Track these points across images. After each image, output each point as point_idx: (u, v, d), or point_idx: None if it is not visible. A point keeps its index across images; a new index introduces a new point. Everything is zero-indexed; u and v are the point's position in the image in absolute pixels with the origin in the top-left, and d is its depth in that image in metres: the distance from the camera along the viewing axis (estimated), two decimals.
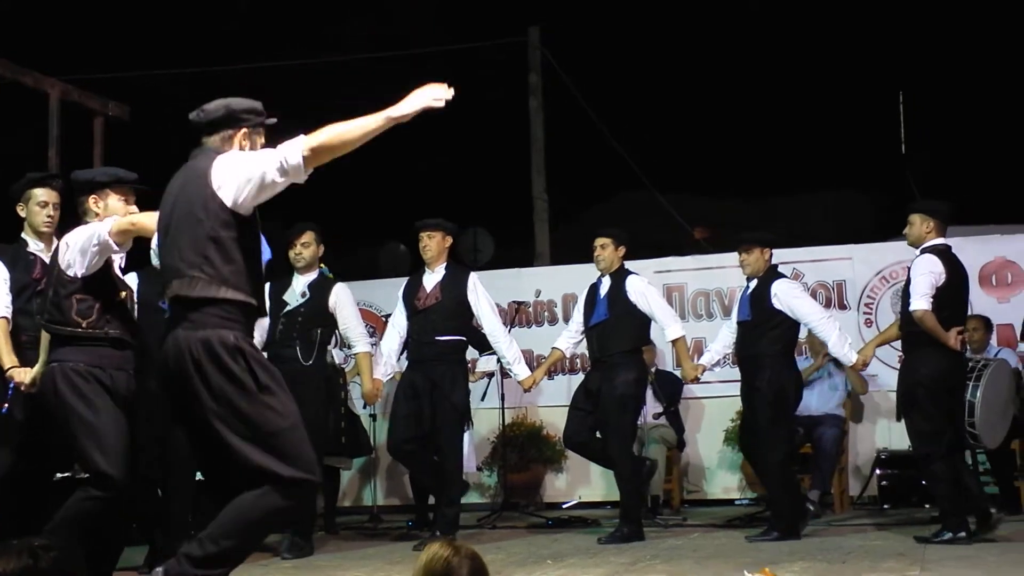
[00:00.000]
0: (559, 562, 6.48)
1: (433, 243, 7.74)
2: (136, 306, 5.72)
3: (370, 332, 9.05)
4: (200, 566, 4.07)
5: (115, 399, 5.07)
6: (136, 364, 5.32)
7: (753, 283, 7.81)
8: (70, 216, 6.25)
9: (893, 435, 9.86)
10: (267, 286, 5.52)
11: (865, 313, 10.16)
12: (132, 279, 6.05)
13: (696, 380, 8.45)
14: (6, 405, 5.62)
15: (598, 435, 7.88)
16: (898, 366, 9.81)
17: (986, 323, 9.26)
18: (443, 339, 7.60)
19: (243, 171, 4.24)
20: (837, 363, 8.97)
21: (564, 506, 10.19)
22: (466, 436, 8.54)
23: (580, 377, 10.22)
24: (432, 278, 7.80)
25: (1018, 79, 14.49)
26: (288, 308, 7.38)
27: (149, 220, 4.84)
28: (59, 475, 6.11)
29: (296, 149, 4.16)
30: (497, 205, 15.65)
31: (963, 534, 6.78)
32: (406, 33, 14.94)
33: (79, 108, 8.61)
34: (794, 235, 11.44)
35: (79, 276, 5.05)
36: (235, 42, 15.22)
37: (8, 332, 5.65)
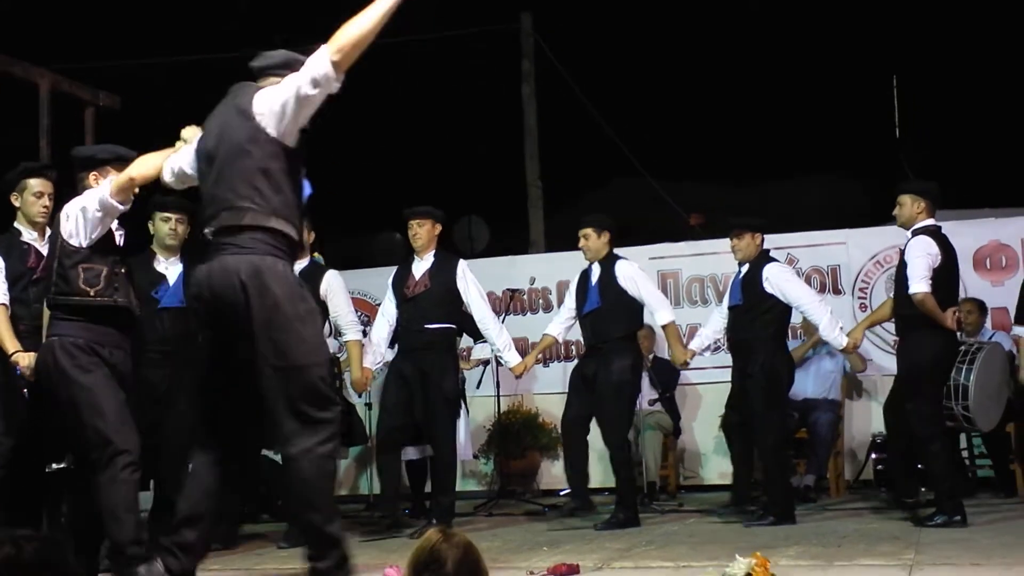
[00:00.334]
0: (555, 548, 6.48)
1: (423, 231, 7.72)
2: None
3: (364, 321, 9.06)
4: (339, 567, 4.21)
5: (113, 374, 5.07)
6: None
7: (745, 268, 7.82)
8: (60, 204, 6.25)
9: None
10: None
11: (860, 297, 10.16)
12: None
13: (686, 365, 8.45)
14: (26, 391, 5.59)
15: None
16: (893, 349, 9.91)
17: (980, 306, 9.27)
18: (433, 327, 7.59)
19: (279, 97, 4.30)
20: None
21: (561, 493, 10.17)
22: (461, 424, 8.53)
23: (575, 364, 10.25)
24: (421, 266, 7.78)
25: (1011, 63, 14.49)
26: None
27: (144, 166, 4.88)
28: (54, 465, 6.12)
29: (322, 57, 4.21)
30: (491, 193, 15.63)
31: (958, 517, 6.79)
32: (398, 20, 14.87)
33: (70, 98, 8.58)
34: (788, 220, 11.40)
35: (83, 245, 5.04)
36: (227, 31, 15.16)
37: (8, 319, 5.63)
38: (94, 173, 5.19)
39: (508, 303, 10.05)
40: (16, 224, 5.93)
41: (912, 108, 14.11)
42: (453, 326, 7.81)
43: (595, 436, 7.89)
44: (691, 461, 10.38)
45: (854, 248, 10.32)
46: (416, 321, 7.63)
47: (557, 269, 10.81)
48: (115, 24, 14.84)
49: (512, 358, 7.93)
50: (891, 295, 7.82)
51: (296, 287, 4.34)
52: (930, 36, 15.59)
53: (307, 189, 4.57)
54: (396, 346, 7.97)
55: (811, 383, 9.42)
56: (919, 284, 6.88)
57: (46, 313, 5.32)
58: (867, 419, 9.89)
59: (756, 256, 7.79)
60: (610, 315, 7.77)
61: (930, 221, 7.22)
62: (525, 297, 10.72)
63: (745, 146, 16.72)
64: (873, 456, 9.51)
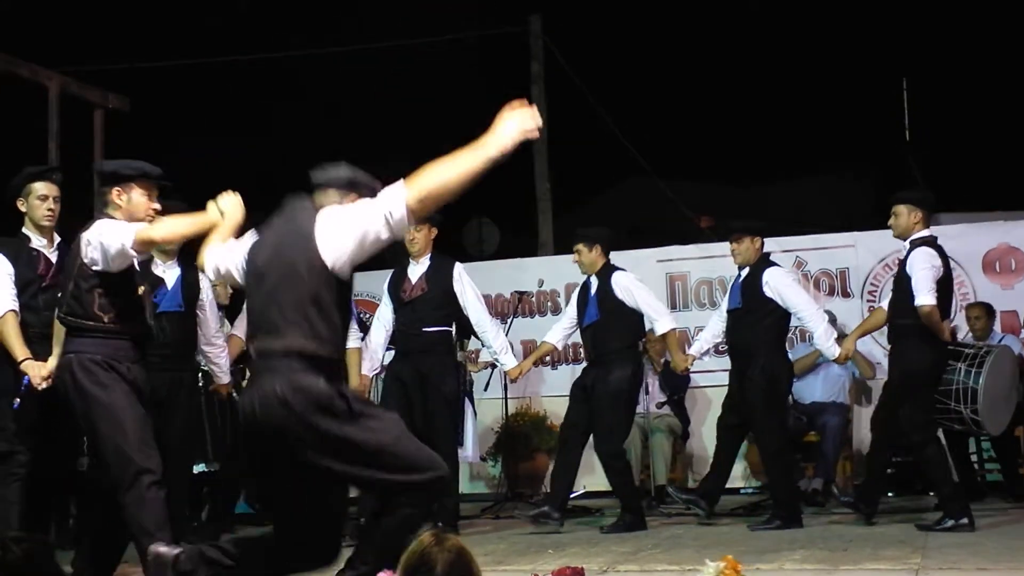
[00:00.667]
0: (560, 551, 6.48)
1: (420, 235, 7.65)
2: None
3: (368, 320, 9.05)
4: None
5: (132, 390, 5.05)
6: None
7: (745, 271, 7.82)
8: (73, 209, 6.23)
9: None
10: None
11: (868, 300, 10.12)
12: None
13: (686, 371, 8.45)
14: (18, 400, 5.57)
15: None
16: None
17: (988, 310, 9.26)
18: (431, 330, 7.59)
19: (347, 231, 4.19)
20: None
21: (573, 495, 10.15)
22: (469, 426, 8.55)
23: (583, 367, 10.24)
24: (417, 269, 7.77)
25: (1021, 66, 14.45)
26: None
27: (171, 231, 4.91)
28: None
29: (399, 202, 4.09)
30: (501, 195, 15.61)
31: (965, 520, 6.78)
32: (407, 22, 14.90)
33: (79, 101, 8.60)
34: (798, 222, 11.39)
35: (101, 272, 5.01)
36: (237, 33, 15.19)
37: (18, 325, 5.58)
38: (117, 188, 5.13)
39: (516, 305, 10.04)
40: (24, 230, 5.86)
41: (922, 111, 14.07)
42: (451, 329, 7.80)
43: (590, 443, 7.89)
44: (700, 465, 10.34)
45: (863, 251, 10.29)
46: (414, 325, 7.62)
47: (565, 272, 10.74)
48: (124, 26, 14.88)
49: (508, 361, 7.94)
50: (883, 301, 7.83)
51: (340, 393, 4.22)
52: (940, 39, 15.55)
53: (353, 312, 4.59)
54: (392, 349, 7.96)
55: (820, 386, 9.40)
56: (927, 297, 6.89)
57: (59, 328, 5.28)
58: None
59: (756, 260, 7.79)
60: (609, 327, 7.79)
61: (927, 231, 7.23)
62: (533, 299, 10.71)
63: (755, 148, 16.70)
64: None
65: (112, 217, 5.11)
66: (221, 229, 4.72)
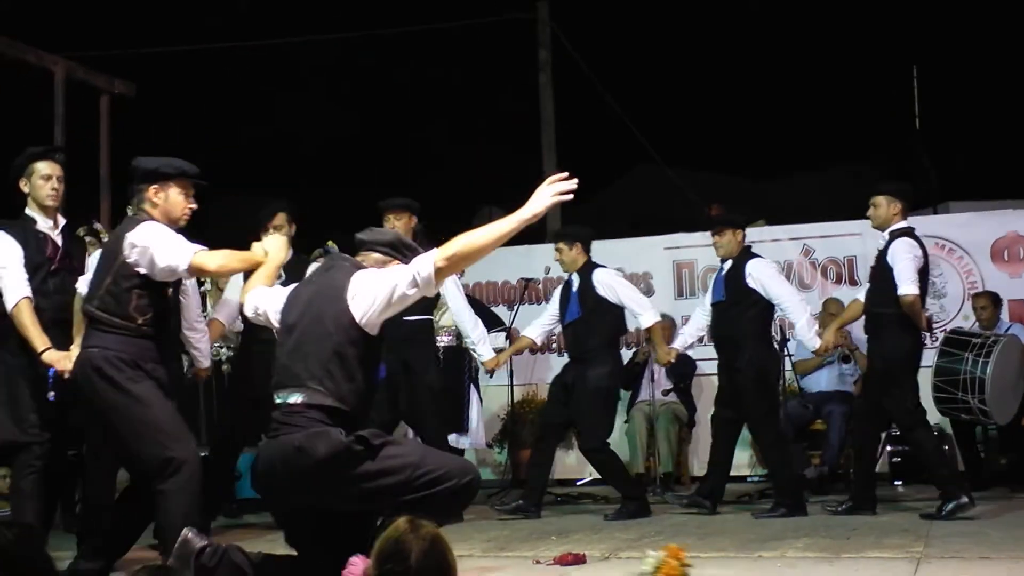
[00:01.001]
0: (563, 538, 6.48)
1: (400, 224, 7.57)
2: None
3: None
4: None
5: (159, 386, 4.98)
6: None
7: (727, 264, 7.87)
8: (77, 193, 6.21)
9: None
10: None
11: None
12: None
13: (669, 364, 8.47)
14: (52, 393, 5.50)
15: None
16: None
17: (995, 299, 9.24)
18: (412, 319, 7.54)
19: (376, 288, 4.35)
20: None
21: (578, 483, 10.16)
22: (474, 412, 8.55)
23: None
24: None
25: None
26: None
27: (227, 265, 4.97)
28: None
29: (429, 261, 4.27)
30: (509, 183, 15.61)
31: (965, 499, 6.82)
32: (416, 8, 14.88)
33: (85, 86, 8.58)
34: (806, 211, 11.36)
35: (142, 274, 4.94)
36: (243, 20, 15.19)
37: (34, 312, 5.47)
38: (155, 187, 5.06)
39: (523, 292, 10.04)
40: (28, 211, 5.72)
41: (932, 99, 14.02)
42: (432, 318, 7.80)
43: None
44: (706, 452, 10.26)
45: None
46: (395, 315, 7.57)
47: None
48: (131, 12, 14.88)
49: (486, 352, 7.95)
50: (861, 292, 7.81)
51: (357, 437, 4.30)
52: (950, 28, 15.48)
53: (381, 372, 4.60)
54: None
55: (826, 376, 9.40)
56: (910, 287, 6.99)
57: (80, 316, 5.24)
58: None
59: (738, 252, 7.83)
60: (590, 324, 7.83)
61: (905, 223, 7.32)
62: (540, 286, 10.69)
63: (764, 137, 16.65)
64: (888, 449, 9.45)
65: (148, 215, 5.04)
66: (265, 269, 4.93)
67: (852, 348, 9.15)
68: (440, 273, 4.30)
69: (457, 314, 7.85)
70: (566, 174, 4.36)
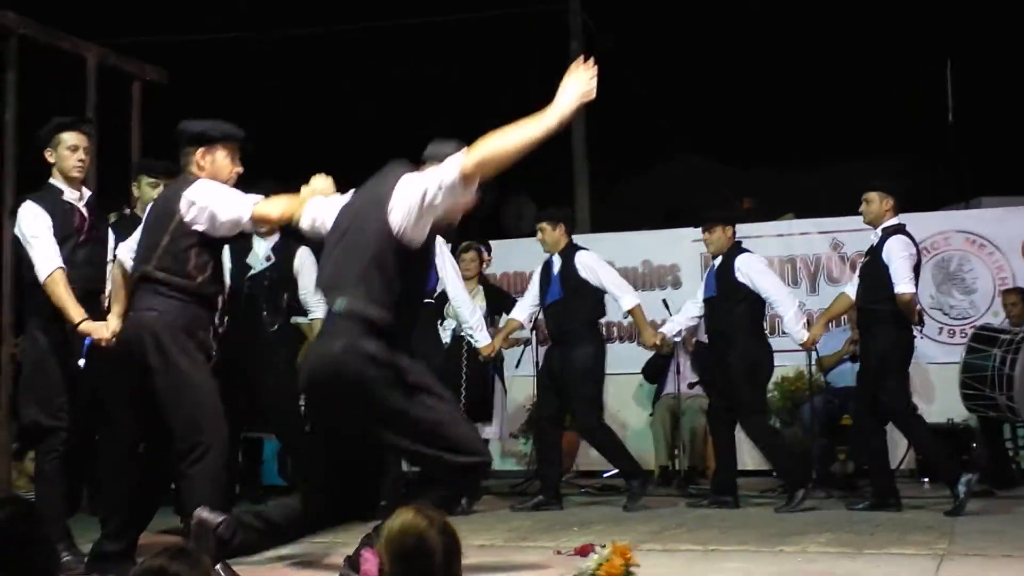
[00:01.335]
0: (585, 529, 6.49)
1: None
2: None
3: None
4: None
5: (208, 359, 4.95)
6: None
7: (718, 260, 7.95)
8: (107, 176, 6.21)
9: (932, 408, 9.76)
10: (226, 249, 5.50)
11: None
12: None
13: (655, 348, 8.49)
14: (83, 360, 5.50)
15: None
16: (937, 338, 9.82)
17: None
18: None
19: (411, 197, 4.29)
20: None
21: (605, 475, 10.16)
22: (498, 403, 8.55)
23: (617, 346, 10.24)
24: None
25: None
26: (253, 272, 7.08)
27: (288, 209, 4.83)
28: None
29: (455, 167, 4.20)
30: (539, 172, 15.60)
31: (970, 476, 6.92)
32: (449, 0, 14.87)
33: (117, 72, 8.62)
34: (836, 204, 11.28)
35: (201, 232, 4.89)
36: (273, 7, 15.22)
37: (67, 283, 5.37)
38: (202, 149, 5.02)
39: None
40: (53, 182, 5.61)
41: (965, 93, 13.89)
42: (432, 302, 7.75)
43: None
44: None
45: None
46: None
47: (600, 249, 10.71)
48: None
49: (482, 338, 7.90)
50: (847, 288, 7.93)
51: (395, 365, 4.30)
52: (985, 20, 15.32)
53: (430, 282, 4.57)
54: None
55: (850, 371, 9.33)
56: (907, 284, 7.10)
57: (119, 283, 5.21)
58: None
59: (728, 248, 7.91)
60: (571, 305, 7.86)
61: (897, 219, 7.39)
62: None
63: (795, 129, 16.55)
64: None
65: (197, 177, 4.99)
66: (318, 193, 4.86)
67: None
68: (468, 177, 4.19)
69: (454, 299, 7.84)
70: (589, 61, 4.18)
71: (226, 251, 5.56)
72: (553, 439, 7.98)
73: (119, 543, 5.19)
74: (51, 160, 5.61)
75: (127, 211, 6.96)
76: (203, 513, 4.43)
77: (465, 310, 7.85)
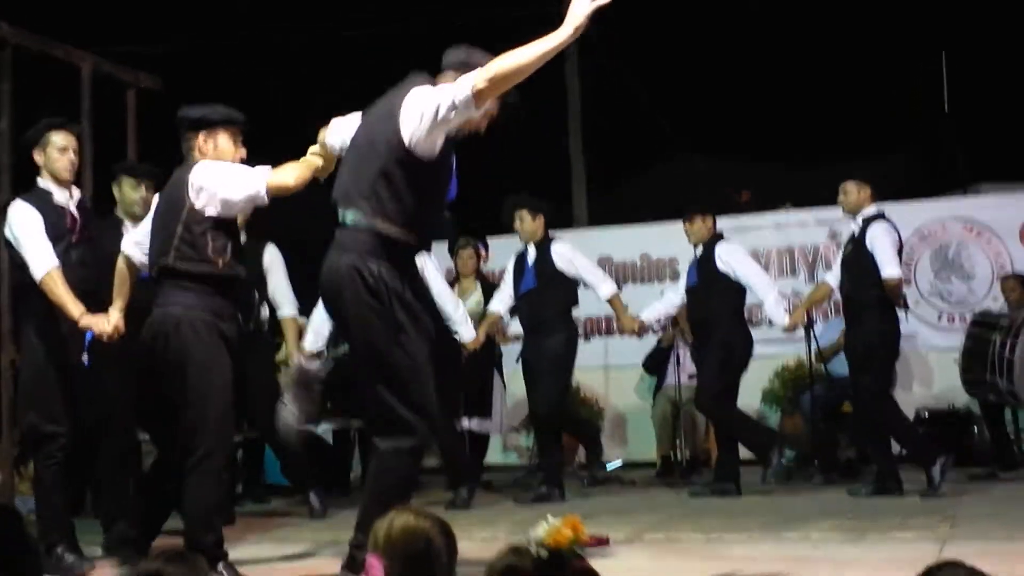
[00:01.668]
0: (588, 520, 6.43)
1: None
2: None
3: None
4: None
5: (229, 351, 4.86)
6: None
7: (699, 249, 8.02)
8: (102, 186, 6.19)
9: (932, 393, 9.80)
10: None
11: (904, 271, 10.03)
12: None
13: (634, 333, 8.52)
14: (85, 356, 5.47)
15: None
16: (939, 324, 9.84)
17: (1023, 281, 9.16)
18: None
19: (423, 107, 4.22)
20: None
21: (609, 467, 10.19)
22: (497, 398, 8.57)
23: (617, 339, 10.26)
24: None
25: None
26: None
27: (302, 175, 4.73)
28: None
29: (469, 83, 4.11)
30: (535, 172, 15.62)
31: (945, 458, 7.04)
32: (442, 2, 14.89)
33: (111, 81, 8.63)
34: (834, 194, 11.31)
35: (214, 216, 4.79)
36: (268, 11, 15.23)
37: (64, 280, 5.28)
38: (203, 134, 4.92)
39: None
40: (42, 183, 5.53)
41: (960, 81, 13.90)
42: None
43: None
44: None
45: (898, 222, 10.11)
46: None
47: (598, 245, 10.84)
48: (157, 5, 14.94)
49: (467, 332, 7.86)
50: (829, 275, 8.05)
51: (391, 293, 4.29)
52: (980, 9, 15.32)
53: (451, 193, 4.54)
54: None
55: None
56: (894, 268, 7.20)
57: (123, 278, 5.13)
58: (910, 394, 9.80)
59: (709, 237, 7.99)
60: (545, 295, 7.88)
61: (875, 207, 7.48)
62: None
63: (792, 122, 16.55)
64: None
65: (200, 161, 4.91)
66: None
67: None
68: (481, 95, 4.10)
69: (438, 296, 7.81)
70: None
71: None
72: (552, 433, 7.94)
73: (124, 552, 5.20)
74: (40, 161, 5.55)
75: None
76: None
77: (449, 305, 7.84)
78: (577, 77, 14.34)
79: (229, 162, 4.95)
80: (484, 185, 7.96)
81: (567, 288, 7.93)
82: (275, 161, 4.89)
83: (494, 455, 9.33)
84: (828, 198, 9.45)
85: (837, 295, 8.20)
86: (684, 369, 9.45)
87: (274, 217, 5.71)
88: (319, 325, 7.70)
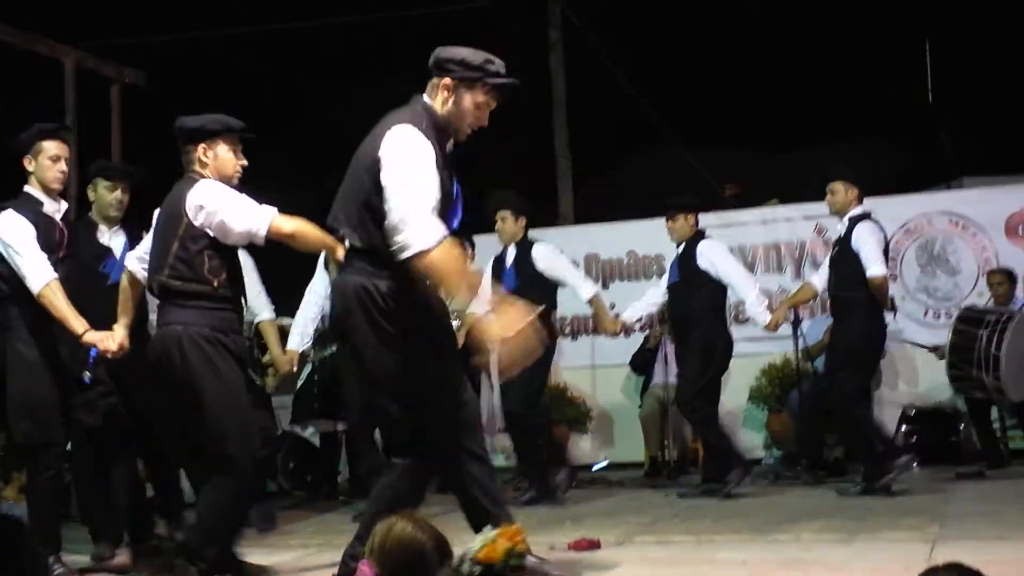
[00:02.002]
0: (578, 524, 6.45)
1: None
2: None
3: None
4: None
5: (237, 364, 4.78)
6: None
7: (681, 247, 8.04)
8: (86, 182, 6.11)
9: (919, 391, 9.80)
10: None
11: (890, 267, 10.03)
12: None
13: (616, 335, 8.52)
14: (88, 374, 5.43)
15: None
16: (925, 320, 9.85)
17: (1010, 276, 9.17)
18: None
19: (384, 160, 4.23)
20: None
21: (594, 468, 10.19)
22: (484, 398, 8.54)
23: (604, 338, 10.19)
24: None
25: None
26: None
27: (305, 232, 4.70)
28: None
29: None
30: (520, 165, 15.57)
31: (908, 457, 7.25)
32: None
33: (95, 76, 8.59)
34: (820, 188, 11.32)
35: (212, 236, 4.71)
36: (252, 4, 15.12)
37: (64, 294, 5.19)
38: (203, 145, 4.81)
39: None
40: (30, 191, 5.42)
41: (945, 73, 13.93)
42: None
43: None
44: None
45: (883, 217, 10.09)
46: None
47: (584, 242, 10.83)
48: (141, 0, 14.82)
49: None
50: (814, 276, 8.09)
51: (384, 309, 4.27)
52: (962, 2, 15.36)
53: (453, 222, 4.41)
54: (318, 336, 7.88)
55: None
56: (879, 267, 7.23)
57: (126, 296, 5.10)
58: (897, 392, 9.82)
59: (691, 235, 8.00)
60: (524, 297, 7.76)
61: (863, 207, 7.51)
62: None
63: (777, 113, 16.57)
64: (903, 428, 9.42)
65: (202, 175, 4.81)
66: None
67: None
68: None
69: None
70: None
71: None
72: (527, 432, 7.88)
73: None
74: (30, 168, 5.43)
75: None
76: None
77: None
78: (563, 74, 14.27)
79: (231, 172, 4.89)
80: (469, 183, 7.86)
81: (544, 289, 7.85)
82: (260, 158, 4.85)
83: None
84: (815, 193, 9.47)
85: (824, 294, 8.22)
86: (671, 368, 9.42)
87: None
88: (303, 326, 7.66)
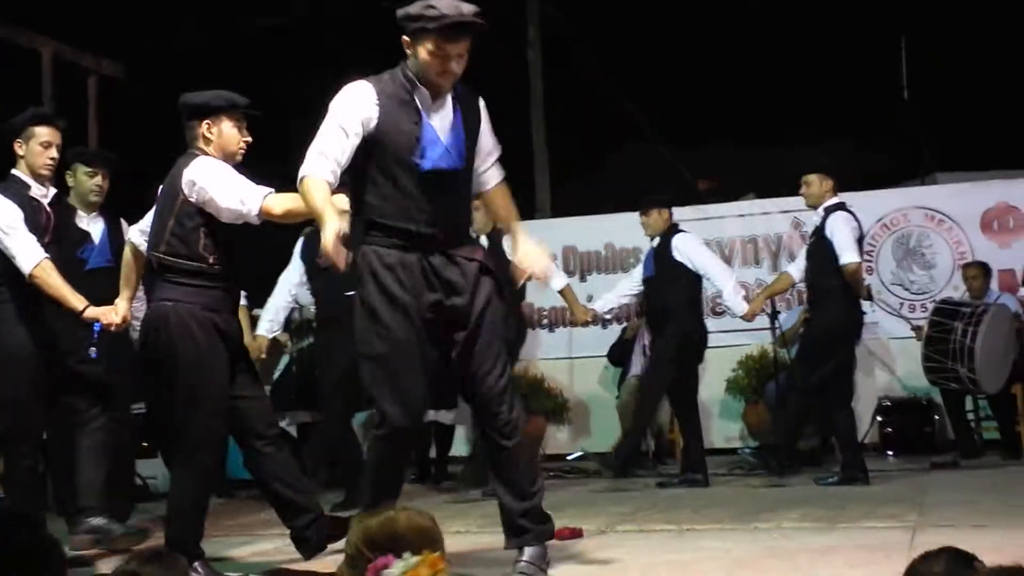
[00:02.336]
0: (558, 513, 6.42)
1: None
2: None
3: None
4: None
5: (227, 345, 4.73)
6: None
7: (656, 241, 8.07)
8: (64, 173, 6.10)
9: (894, 382, 9.89)
10: None
11: (867, 260, 10.08)
12: None
13: (587, 324, 8.58)
14: (94, 349, 5.41)
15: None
16: (901, 311, 9.92)
17: (985, 270, 9.26)
18: (353, 293, 7.36)
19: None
20: None
21: (569, 458, 10.22)
22: None
23: (581, 330, 10.21)
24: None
25: (1022, 24, 14.38)
26: None
27: (291, 209, 4.57)
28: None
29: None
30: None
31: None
32: None
33: (73, 67, 8.54)
34: (796, 183, 11.39)
35: (207, 213, 4.65)
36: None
37: (57, 271, 5.16)
38: (207, 121, 4.75)
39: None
40: (18, 174, 5.39)
41: (920, 69, 14.00)
42: None
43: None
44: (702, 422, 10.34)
45: (860, 211, 10.18)
46: (334, 290, 7.13)
47: (562, 235, 10.86)
48: None
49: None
50: (792, 266, 8.19)
51: (379, 282, 4.41)
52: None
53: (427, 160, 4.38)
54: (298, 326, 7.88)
55: None
56: (852, 255, 7.32)
57: (128, 271, 5.05)
58: (872, 383, 9.89)
59: (665, 229, 8.03)
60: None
61: (837, 198, 7.61)
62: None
63: (754, 110, 16.61)
64: (879, 419, 9.51)
65: (204, 152, 4.75)
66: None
67: None
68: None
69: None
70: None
71: None
72: None
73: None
74: (20, 152, 5.40)
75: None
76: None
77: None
78: (540, 67, 14.29)
79: (235, 149, 4.83)
80: None
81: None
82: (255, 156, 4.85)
83: (460, 446, 9.31)
84: (791, 188, 9.53)
85: (801, 285, 8.29)
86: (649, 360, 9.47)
87: None
88: (274, 312, 7.65)
